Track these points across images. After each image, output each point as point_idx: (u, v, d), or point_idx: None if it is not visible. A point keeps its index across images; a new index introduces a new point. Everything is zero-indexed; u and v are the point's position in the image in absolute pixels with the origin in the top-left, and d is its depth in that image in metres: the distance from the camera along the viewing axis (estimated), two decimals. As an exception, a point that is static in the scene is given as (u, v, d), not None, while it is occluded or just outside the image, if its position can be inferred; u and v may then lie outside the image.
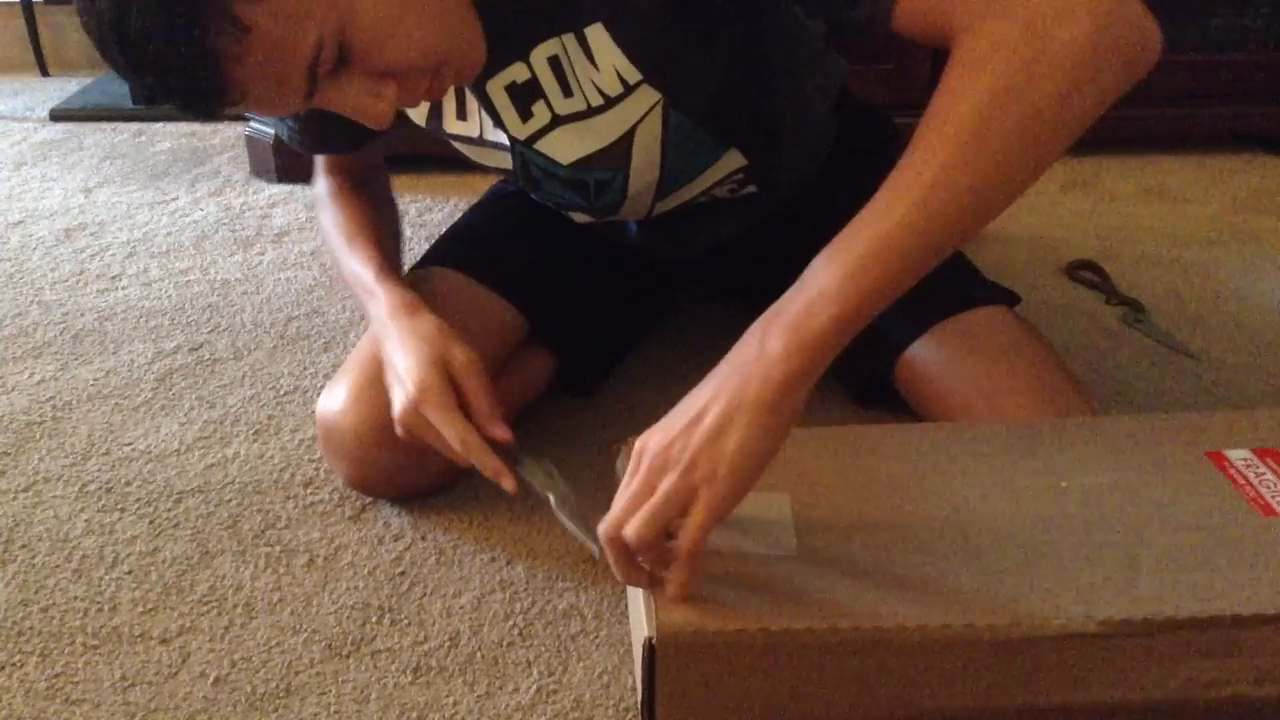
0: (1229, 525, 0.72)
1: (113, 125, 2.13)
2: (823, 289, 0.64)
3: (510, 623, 0.86)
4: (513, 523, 0.97)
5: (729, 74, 0.91)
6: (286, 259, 1.53)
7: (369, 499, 1.01)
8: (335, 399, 0.97)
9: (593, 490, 0.85)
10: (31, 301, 1.41)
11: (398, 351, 0.88)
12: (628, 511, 0.66)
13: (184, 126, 2.11)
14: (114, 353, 1.28)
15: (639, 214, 1.05)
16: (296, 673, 0.82)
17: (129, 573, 0.93)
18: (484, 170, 1.06)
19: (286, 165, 1.80)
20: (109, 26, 0.66)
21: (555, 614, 0.87)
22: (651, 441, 0.67)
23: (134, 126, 2.12)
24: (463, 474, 0.98)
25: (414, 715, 0.78)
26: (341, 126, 0.87)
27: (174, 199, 1.76)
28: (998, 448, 0.81)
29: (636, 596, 0.71)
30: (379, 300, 0.93)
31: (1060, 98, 0.64)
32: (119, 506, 1.01)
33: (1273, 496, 0.74)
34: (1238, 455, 0.78)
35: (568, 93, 0.90)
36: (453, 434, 0.83)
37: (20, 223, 1.67)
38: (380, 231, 1.03)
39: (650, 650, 0.65)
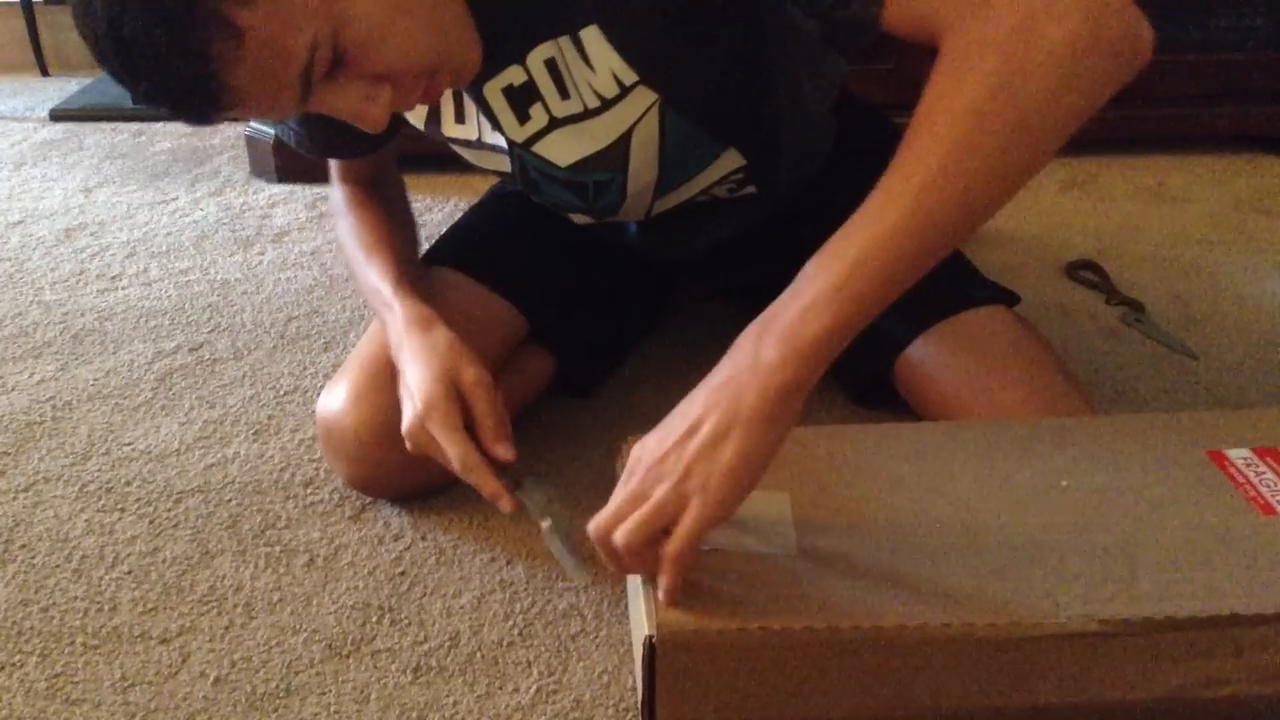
0: (1229, 524, 0.72)
1: (113, 125, 2.13)
2: (816, 296, 0.64)
3: (510, 623, 0.86)
4: (513, 523, 0.97)
5: (726, 74, 0.91)
6: (286, 259, 1.53)
7: (369, 499, 1.01)
8: (335, 399, 0.97)
9: (593, 490, 0.85)
10: (31, 301, 1.41)
11: (410, 365, 0.88)
12: (618, 517, 0.67)
13: (184, 127, 2.11)
14: (114, 353, 1.28)
15: (638, 214, 1.05)
16: (296, 673, 0.82)
17: (129, 573, 0.93)
18: (484, 172, 1.06)
19: (286, 165, 1.80)
20: (104, 33, 0.66)
21: (555, 614, 0.87)
22: (647, 448, 0.68)
23: (134, 126, 2.12)
24: (463, 474, 0.98)
25: (414, 715, 0.78)
26: (346, 131, 0.87)
27: (174, 199, 1.76)
28: (998, 447, 0.81)
29: (636, 596, 0.71)
30: (396, 313, 0.92)
31: (1050, 97, 0.64)
32: (119, 506, 1.01)
33: (1273, 496, 0.74)
34: (1238, 454, 0.78)
35: (565, 95, 0.90)
36: (453, 452, 0.83)
37: (20, 223, 1.67)
38: (396, 240, 1.02)
39: (650, 649, 0.65)
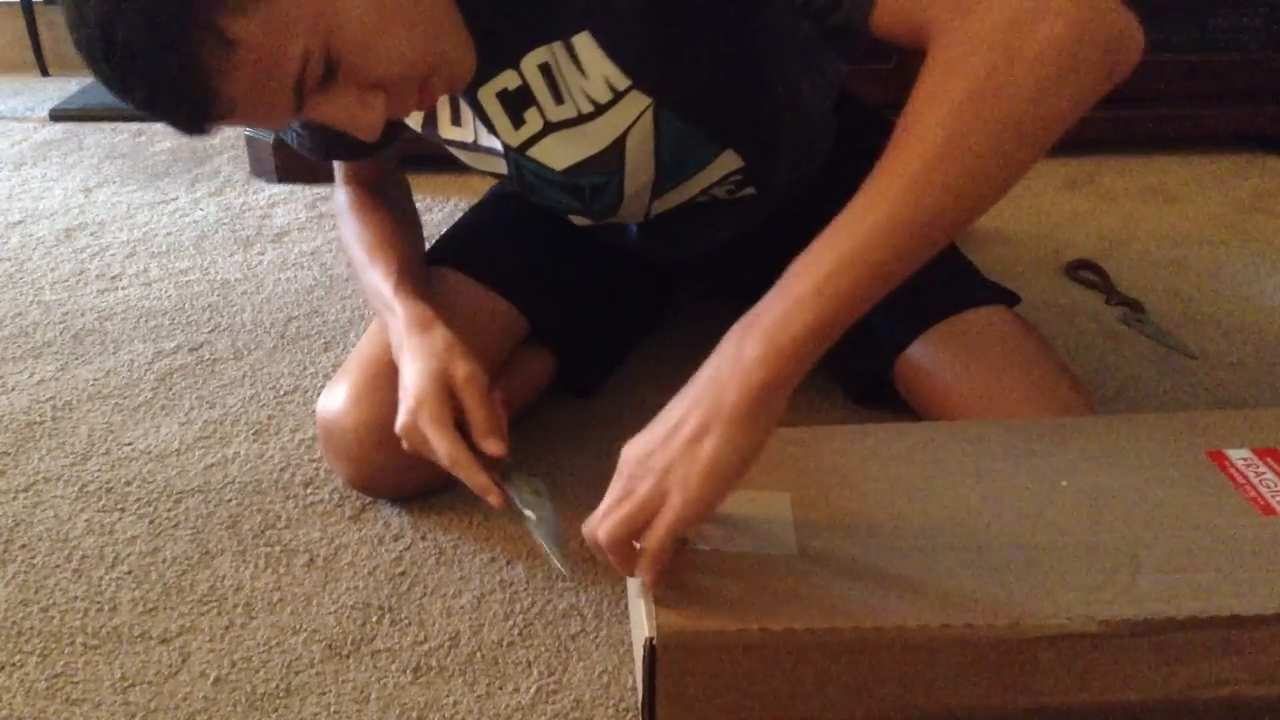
0: (1229, 525, 0.71)
1: (113, 125, 2.13)
2: (799, 295, 0.65)
3: (510, 623, 0.86)
4: (513, 523, 0.97)
5: (721, 76, 0.90)
6: (286, 259, 1.53)
7: (369, 499, 1.01)
8: (335, 399, 0.97)
9: (593, 490, 0.85)
10: (31, 301, 1.41)
11: (407, 366, 0.89)
12: (605, 515, 0.68)
13: (184, 126, 2.11)
14: (114, 353, 1.28)
15: (637, 216, 1.05)
16: (296, 673, 0.82)
17: (129, 573, 0.93)
18: (482, 173, 1.06)
19: (286, 165, 1.80)
20: (97, 43, 0.66)
21: (555, 614, 0.87)
22: (634, 448, 0.69)
23: (134, 126, 2.12)
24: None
25: (414, 715, 0.78)
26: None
27: (174, 199, 1.76)
28: (998, 447, 0.81)
29: (637, 596, 0.71)
30: (397, 315, 0.93)
31: (1037, 97, 0.64)
32: (119, 506, 1.01)
33: (1273, 496, 0.74)
34: (1238, 455, 0.78)
35: (559, 100, 0.90)
36: (442, 447, 0.84)
37: (20, 223, 1.67)
38: (399, 242, 1.02)
39: (651, 650, 0.65)
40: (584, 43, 0.85)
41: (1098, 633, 0.64)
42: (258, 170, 1.84)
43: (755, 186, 1.04)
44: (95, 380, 1.22)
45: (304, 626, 0.86)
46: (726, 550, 0.71)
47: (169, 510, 1.00)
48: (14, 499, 1.02)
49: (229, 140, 2.01)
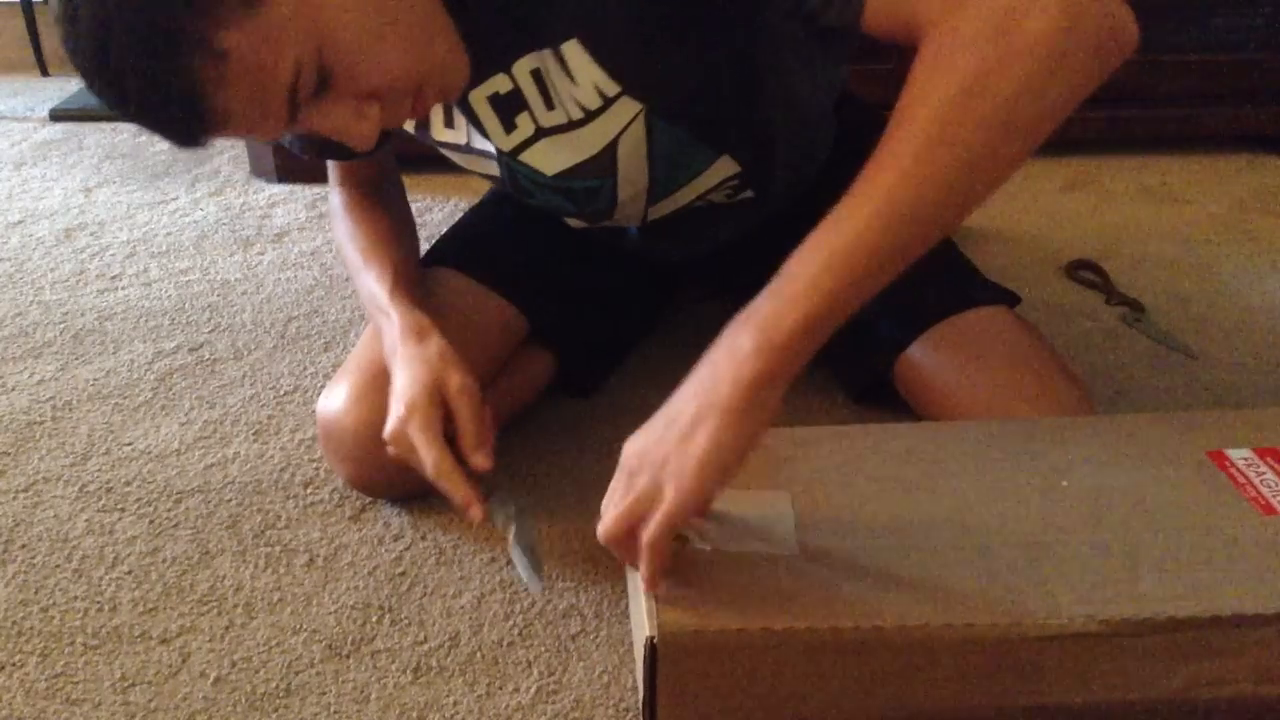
0: (1230, 525, 0.71)
1: (113, 125, 2.13)
2: (792, 290, 0.65)
3: (510, 623, 0.86)
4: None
5: (714, 81, 0.90)
6: (286, 259, 1.53)
7: (369, 499, 1.01)
8: (335, 399, 0.97)
9: (593, 490, 0.85)
10: (31, 301, 1.41)
11: (400, 373, 0.89)
12: (604, 511, 0.70)
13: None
14: (114, 353, 1.28)
15: (633, 219, 1.05)
16: (296, 673, 0.82)
17: (129, 573, 0.93)
18: (476, 174, 1.06)
19: (286, 165, 1.80)
20: (90, 58, 0.66)
21: (555, 614, 0.87)
22: (634, 444, 0.70)
23: (134, 127, 2.09)
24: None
25: (414, 715, 0.78)
26: None
27: (174, 199, 1.76)
28: (998, 447, 0.80)
29: (637, 596, 0.71)
30: (392, 321, 0.93)
31: (1029, 91, 0.64)
32: (119, 506, 1.01)
33: (1274, 496, 0.74)
34: (1239, 454, 0.78)
35: (550, 106, 0.90)
36: (429, 457, 0.84)
37: (20, 223, 1.67)
38: (394, 245, 1.02)
39: (652, 650, 0.65)
40: (573, 50, 0.85)
41: (1099, 632, 0.64)
42: (258, 170, 1.84)
43: (753, 190, 1.04)
44: (95, 380, 1.22)
45: (304, 626, 0.86)
46: (728, 550, 0.71)
47: (169, 510, 1.00)
48: (14, 499, 1.02)
49: (229, 140, 2.01)
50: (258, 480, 1.04)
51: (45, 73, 2.57)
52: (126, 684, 0.81)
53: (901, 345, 1.02)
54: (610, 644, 0.84)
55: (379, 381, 0.94)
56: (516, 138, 0.94)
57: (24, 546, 0.96)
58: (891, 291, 1.06)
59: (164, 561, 0.94)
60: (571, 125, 0.91)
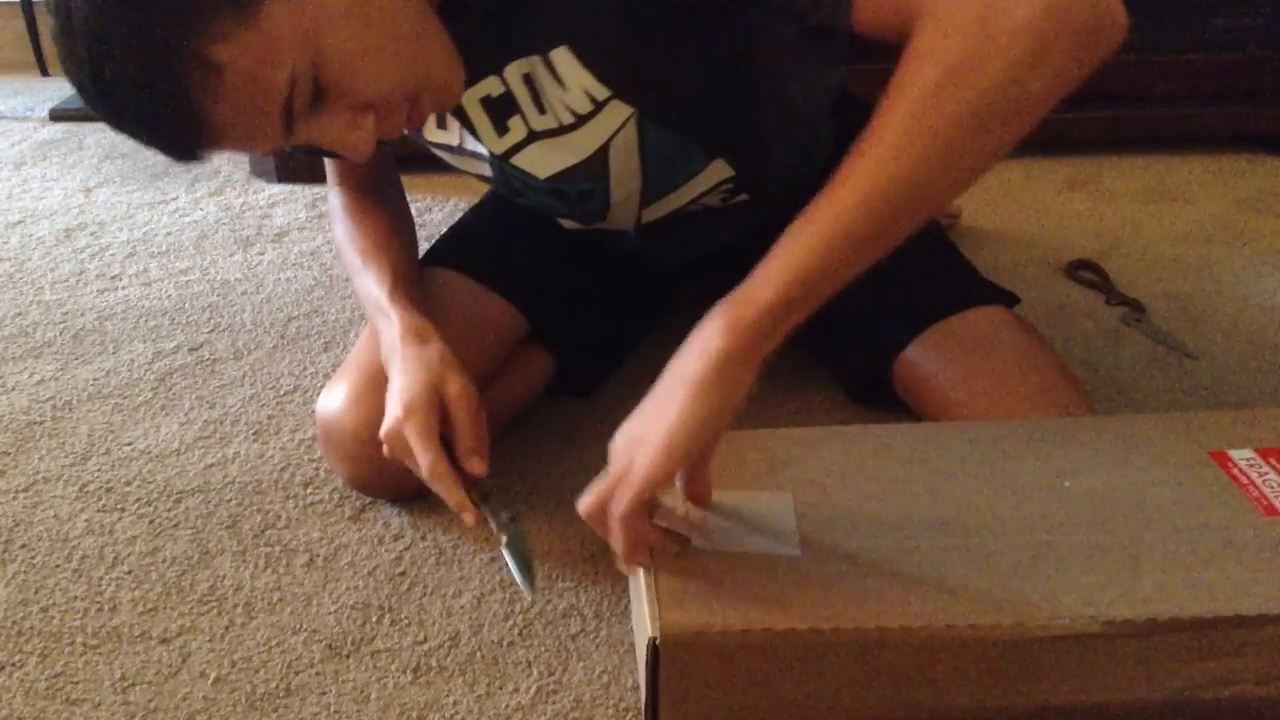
0: (1232, 525, 0.71)
1: (112, 125, 2.13)
2: (766, 272, 0.68)
3: (510, 623, 0.86)
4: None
5: (705, 84, 0.90)
6: (286, 259, 1.53)
7: (369, 499, 1.01)
8: (335, 399, 0.97)
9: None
10: (31, 301, 1.41)
11: (398, 374, 0.89)
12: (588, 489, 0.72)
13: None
14: (114, 353, 1.28)
15: (628, 222, 1.05)
16: (296, 673, 0.82)
17: (129, 573, 0.92)
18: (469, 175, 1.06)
19: (286, 165, 1.80)
20: (87, 75, 0.67)
21: (555, 614, 0.87)
22: (620, 429, 0.72)
23: (133, 126, 2.11)
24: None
25: (414, 715, 0.78)
26: None
27: (174, 199, 1.75)
28: (999, 448, 0.80)
29: (639, 596, 0.71)
30: (392, 323, 0.93)
31: (1013, 79, 0.64)
32: (119, 506, 1.01)
33: (1276, 496, 0.74)
34: (1241, 455, 0.78)
35: (542, 110, 0.90)
36: (424, 459, 0.84)
37: (20, 223, 1.67)
38: (393, 245, 1.02)
39: (653, 650, 0.65)
40: (561, 57, 0.85)
41: (1101, 633, 0.64)
42: (258, 170, 1.84)
43: (748, 193, 1.04)
44: (95, 380, 1.22)
45: (304, 626, 0.86)
46: (729, 550, 0.71)
47: (169, 510, 1.00)
48: (14, 499, 1.02)
49: (226, 154, 2.01)
50: (258, 480, 1.04)
51: (45, 73, 2.57)
52: (126, 684, 0.81)
53: (900, 345, 1.02)
54: (610, 644, 0.84)
55: (378, 381, 0.94)
56: (509, 140, 0.94)
57: (24, 546, 0.96)
58: (890, 292, 1.05)
59: (164, 561, 0.94)
60: (563, 129, 0.91)
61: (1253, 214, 1.65)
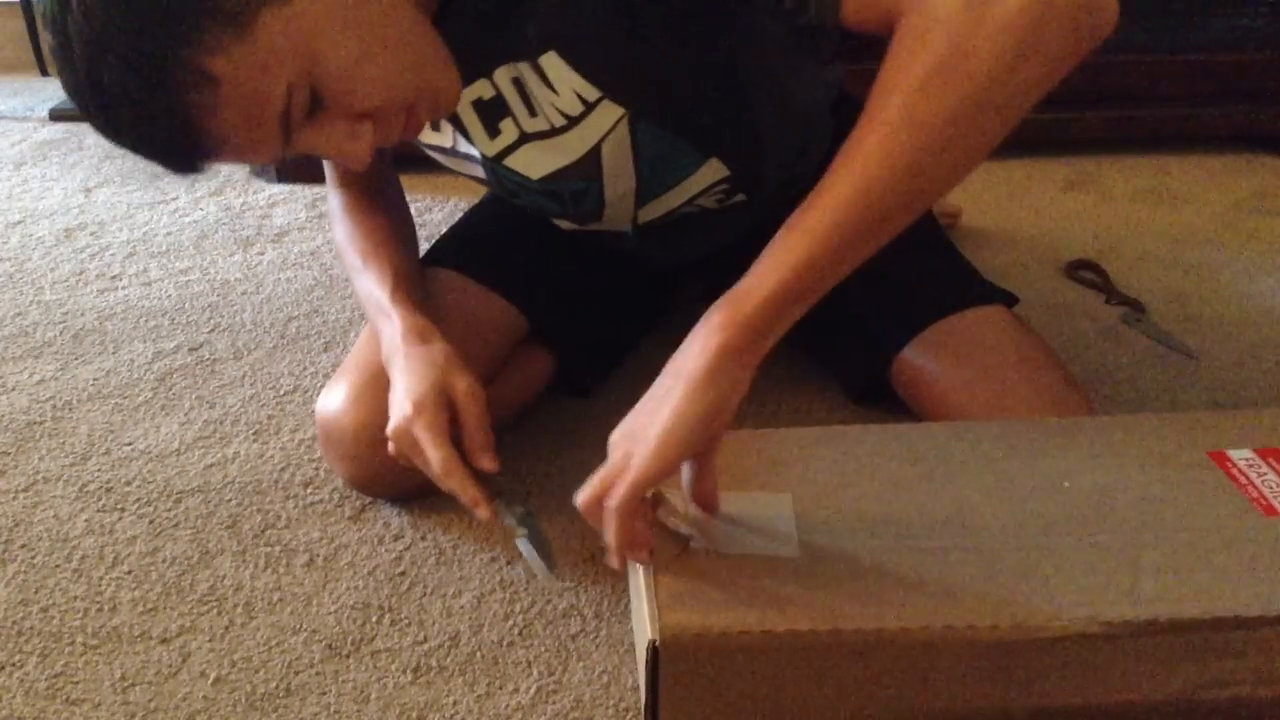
0: (1231, 526, 0.71)
1: (112, 125, 2.13)
2: (762, 268, 0.68)
3: (510, 623, 0.86)
4: (513, 523, 0.97)
5: (695, 84, 0.90)
6: (286, 259, 1.53)
7: (369, 499, 1.01)
8: (335, 399, 0.97)
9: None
10: (31, 301, 1.41)
11: (403, 374, 0.88)
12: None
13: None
14: (114, 353, 1.28)
15: (623, 222, 1.05)
16: (296, 673, 0.82)
17: (129, 573, 0.92)
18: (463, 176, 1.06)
19: (286, 165, 1.79)
20: (85, 90, 0.67)
21: (555, 614, 0.87)
22: (619, 427, 0.72)
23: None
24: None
25: (414, 715, 0.78)
26: None
27: (174, 199, 1.75)
28: (999, 448, 0.80)
29: (639, 597, 0.71)
30: (393, 323, 0.92)
31: (1002, 69, 0.63)
32: (119, 506, 1.01)
33: (1275, 496, 0.74)
34: (1240, 455, 0.78)
35: (533, 113, 0.90)
36: (436, 456, 0.84)
37: (20, 223, 1.67)
38: (394, 246, 1.02)
39: (653, 652, 0.65)
40: (551, 62, 0.85)
41: (1100, 634, 0.64)
42: (257, 170, 1.84)
43: (744, 193, 1.04)
44: (95, 380, 1.22)
45: (304, 626, 0.86)
46: (729, 551, 0.71)
47: (169, 510, 1.00)
48: (14, 499, 1.02)
49: (227, 165, 2.01)
50: (258, 480, 1.04)
51: (45, 73, 2.57)
52: (126, 684, 0.81)
53: (900, 345, 1.02)
54: (610, 644, 0.84)
55: (378, 381, 0.94)
56: (501, 143, 0.94)
57: (24, 546, 0.96)
58: (890, 292, 1.05)
59: (164, 561, 0.94)
60: (554, 131, 0.91)
61: (1253, 214, 1.65)
